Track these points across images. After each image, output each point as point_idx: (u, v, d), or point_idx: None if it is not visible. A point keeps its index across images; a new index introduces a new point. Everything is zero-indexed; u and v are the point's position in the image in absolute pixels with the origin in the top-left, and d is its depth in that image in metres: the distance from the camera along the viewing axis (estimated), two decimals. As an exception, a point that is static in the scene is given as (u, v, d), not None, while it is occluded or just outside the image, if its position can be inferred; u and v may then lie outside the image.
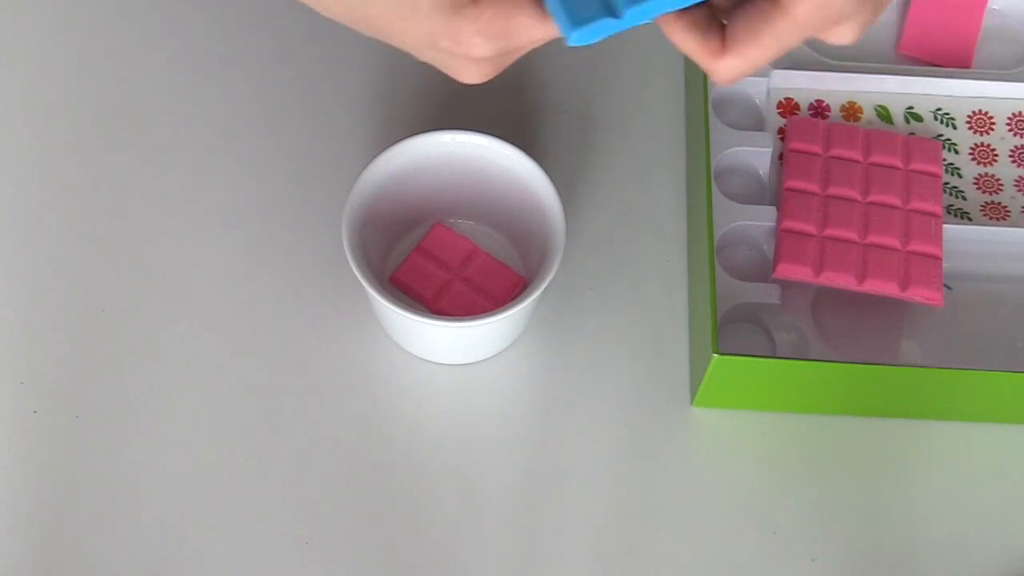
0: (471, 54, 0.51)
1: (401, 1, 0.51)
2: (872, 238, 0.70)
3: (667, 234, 0.74)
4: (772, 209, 0.71)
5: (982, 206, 0.74)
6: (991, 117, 0.77)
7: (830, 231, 0.70)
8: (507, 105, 0.78)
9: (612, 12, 0.49)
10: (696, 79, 0.75)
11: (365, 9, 0.53)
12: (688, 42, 0.51)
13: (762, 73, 0.76)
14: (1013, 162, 0.75)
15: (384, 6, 0.52)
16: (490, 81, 0.54)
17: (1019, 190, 0.74)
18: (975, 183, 0.75)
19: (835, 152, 0.73)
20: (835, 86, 0.77)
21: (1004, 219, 0.73)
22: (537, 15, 0.50)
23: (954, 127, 0.76)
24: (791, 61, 0.77)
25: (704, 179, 0.70)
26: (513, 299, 0.65)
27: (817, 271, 0.69)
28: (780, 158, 0.74)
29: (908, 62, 0.79)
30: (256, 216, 0.73)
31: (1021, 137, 0.76)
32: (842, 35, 0.52)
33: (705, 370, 0.65)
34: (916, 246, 0.69)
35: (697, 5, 0.50)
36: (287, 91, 0.78)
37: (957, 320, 0.70)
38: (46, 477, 0.66)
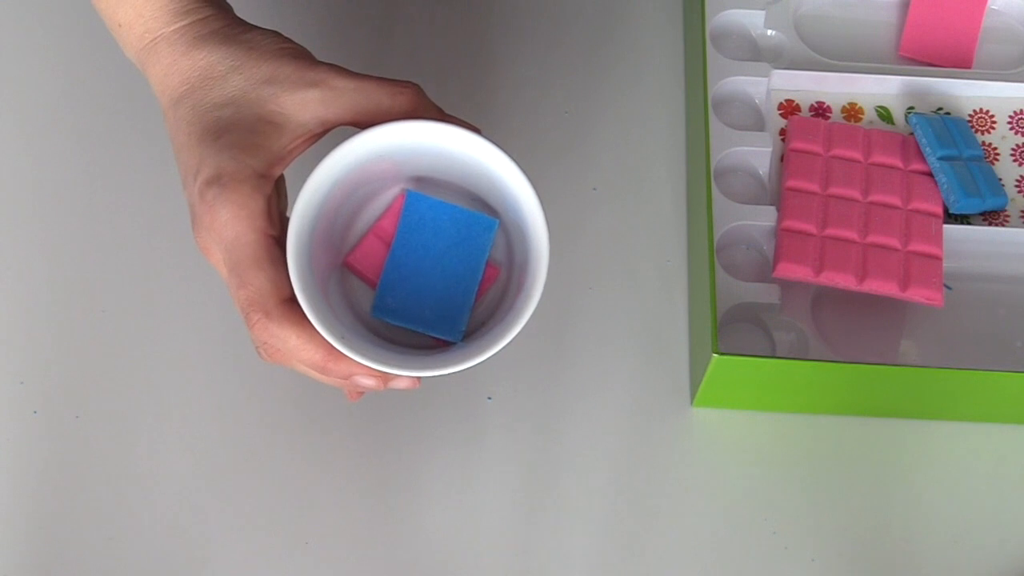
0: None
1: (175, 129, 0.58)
2: (872, 238, 0.70)
3: (667, 234, 0.74)
4: (772, 209, 0.71)
5: (983, 206, 0.74)
6: (992, 116, 0.76)
7: (830, 231, 0.70)
8: (507, 106, 0.78)
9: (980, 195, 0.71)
10: (696, 80, 0.75)
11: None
12: None
13: (762, 73, 0.76)
14: (1015, 161, 0.75)
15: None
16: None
17: (1020, 191, 0.74)
18: (976, 183, 0.75)
19: (836, 152, 0.73)
20: (836, 87, 0.77)
21: (1004, 219, 0.73)
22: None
23: (955, 127, 0.76)
24: (791, 62, 0.77)
25: (704, 179, 0.70)
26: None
27: (817, 271, 0.68)
28: (781, 159, 0.74)
29: (909, 63, 0.79)
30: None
31: (1023, 136, 0.76)
32: None
33: (705, 370, 0.65)
34: (916, 246, 0.69)
35: None
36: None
37: (957, 320, 0.70)
38: (46, 477, 0.66)
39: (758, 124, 0.76)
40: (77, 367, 0.69)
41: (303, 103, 0.57)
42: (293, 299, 0.54)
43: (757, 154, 0.74)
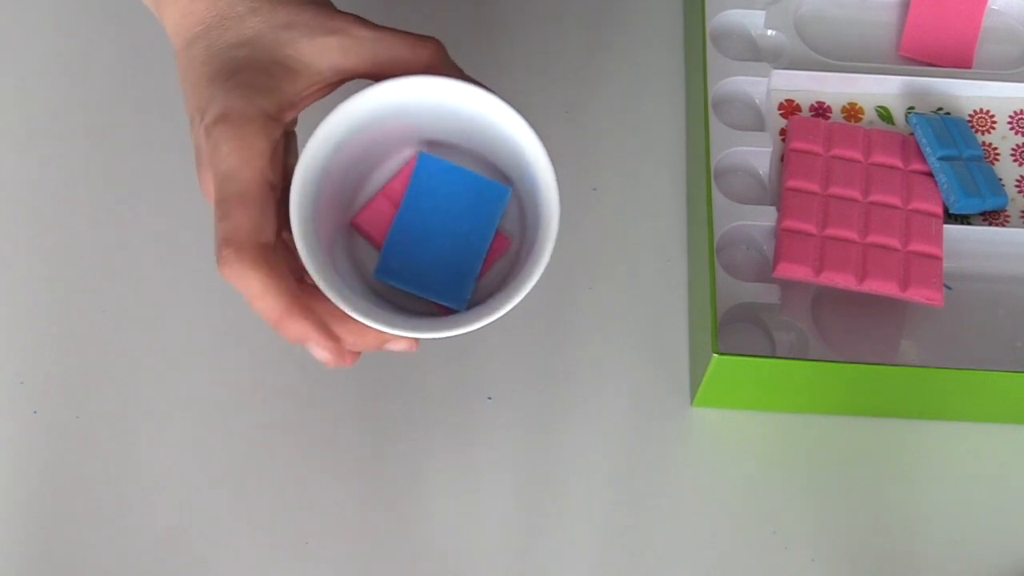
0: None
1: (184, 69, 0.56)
2: (872, 238, 0.70)
3: (667, 234, 0.74)
4: (772, 209, 0.71)
5: (983, 206, 0.74)
6: (992, 116, 0.76)
7: (830, 231, 0.70)
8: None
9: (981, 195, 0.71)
10: (696, 80, 0.75)
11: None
12: None
13: (762, 73, 0.76)
14: (1015, 161, 0.75)
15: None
16: None
17: (1020, 191, 0.74)
18: (976, 183, 0.75)
19: (836, 152, 0.73)
20: (836, 87, 0.77)
21: (1005, 219, 0.73)
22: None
23: (955, 127, 0.76)
24: (791, 62, 0.77)
25: (704, 179, 0.70)
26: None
27: (817, 271, 0.68)
28: (781, 159, 0.74)
29: (909, 63, 0.79)
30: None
31: (1023, 136, 0.76)
32: None
33: (705, 370, 0.65)
34: (916, 246, 0.69)
35: None
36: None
37: (957, 320, 0.70)
38: (46, 477, 0.66)
39: (758, 124, 0.76)
40: (77, 367, 0.69)
41: (321, 50, 0.55)
42: (272, 248, 0.51)
43: (757, 154, 0.74)
